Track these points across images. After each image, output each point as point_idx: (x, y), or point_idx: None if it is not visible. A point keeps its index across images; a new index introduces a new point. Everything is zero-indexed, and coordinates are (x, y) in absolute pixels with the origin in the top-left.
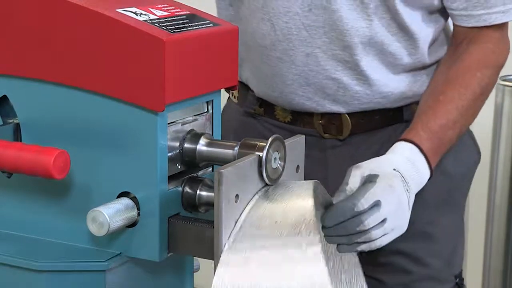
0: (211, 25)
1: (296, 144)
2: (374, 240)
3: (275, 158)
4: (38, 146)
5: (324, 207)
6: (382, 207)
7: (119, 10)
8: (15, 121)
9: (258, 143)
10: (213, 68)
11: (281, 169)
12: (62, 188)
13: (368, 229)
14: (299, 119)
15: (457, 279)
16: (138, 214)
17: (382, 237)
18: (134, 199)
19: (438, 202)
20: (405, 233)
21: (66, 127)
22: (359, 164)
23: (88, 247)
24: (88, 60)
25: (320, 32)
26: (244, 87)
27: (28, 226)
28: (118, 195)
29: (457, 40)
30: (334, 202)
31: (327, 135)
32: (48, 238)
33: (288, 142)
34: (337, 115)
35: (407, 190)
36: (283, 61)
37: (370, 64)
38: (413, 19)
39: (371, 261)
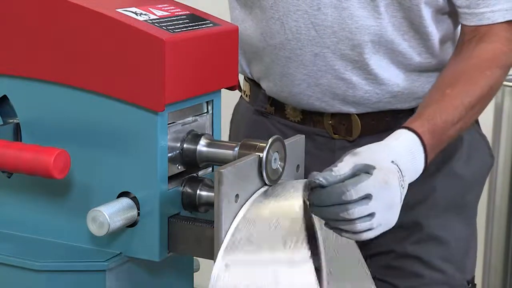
0: (211, 25)
1: (296, 144)
2: (359, 232)
3: (275, 159)
4: (38, 146)
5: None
6: (372, 201)
7: (119, 10)
8: (15, 121)
9: (258, 143)
10: (213, 68)
11: (281, 170)
12: (62, 188)
13: (353, 219)
14: (309, 119)
15: (470, 285)
16: (138, 214)
17: (368, 231)
18: (134, 199)
19: (450, 206)
20: (416, 236)
21: (66, 127)
22: (357, 150)
23: (88, 247)
24: (88, 60)
25: (328, 31)
26: (255, 85)
27: (28, 226)
28: (118, 195)
29: (465, 39)
30: (316, 178)
31: (336, 136)
32: (48, 238)
33: (288, 142)
34: (347, 116)
35: (402, 186)
36: (292, 61)
37: (379, 63)
38: (425, 18)
39: (383, 265)
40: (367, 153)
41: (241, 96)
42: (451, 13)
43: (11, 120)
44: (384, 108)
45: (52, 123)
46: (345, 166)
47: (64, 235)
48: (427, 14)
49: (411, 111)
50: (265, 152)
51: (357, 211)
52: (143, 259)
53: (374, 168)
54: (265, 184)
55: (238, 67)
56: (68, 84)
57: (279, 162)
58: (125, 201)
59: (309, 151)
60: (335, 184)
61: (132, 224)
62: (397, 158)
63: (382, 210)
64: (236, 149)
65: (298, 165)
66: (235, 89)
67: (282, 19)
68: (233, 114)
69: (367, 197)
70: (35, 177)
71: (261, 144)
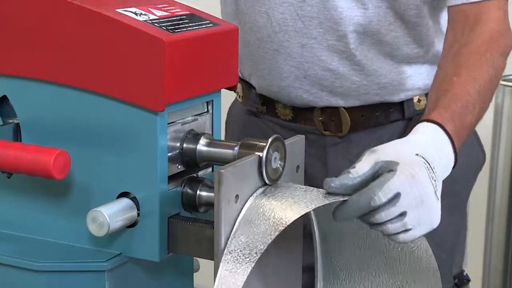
0: (211, 25)
1: (296, 144)
2: (392, 234)
3: (275, 158)
4: (38, 146)
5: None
6: (401, 199)
7: (119, 10)
8: (15, 121)
9: (258, 143)
10: (213, 68)
11: (281, 169)
12: (62, 188)
13: (383, 222)
14: (300, 117)
15: (456, 280)
16: (138, 214)
17: (404, 232)
18: (134, 199)
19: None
20: None
21: (66, 127)
22: (376, 147)
23: (88, 247)
24: (88, 60)
25: (314, 22)
26: (247, 85)
27: (28, 226)
28: (118, 195)
29: (455, 24)
30: (331, 186)
31: (327, 132)
32: (48, 238)
33: (288, 142)
34: (337, 111)
35: (433, 178)
36: (279, 53)
37: (366, 54)
38: (411, 8)
39: None
40: (387, 149)
41: (236, 97)
42: (437, 3)
43: (11, 120)
44: (372, 101)
45: (52, 123)
46: (364, 165)
47: (64, 235)
48: (413, 3)
49: (400, 105)
50: (265, 152)
51: (385, 213)
52: (143, 259)
53: (397, 164)
54: (265, 184)
55: None
56: (68, 84)
57: (279, 162)
58: (125, 201)
59: None
60: (359, 192)
61: (132, 224)
62: (422, 151)
63: (413, 207)
64: (236, 148)
65: (298, 166)
66: (235, 89)
67: (269, 12)
68: (228, 115)
69: (396, 196)
70: (35, 177)
71: (261, 144)
